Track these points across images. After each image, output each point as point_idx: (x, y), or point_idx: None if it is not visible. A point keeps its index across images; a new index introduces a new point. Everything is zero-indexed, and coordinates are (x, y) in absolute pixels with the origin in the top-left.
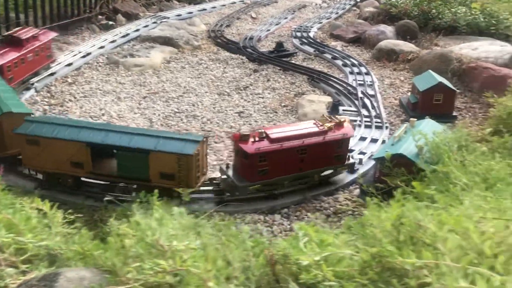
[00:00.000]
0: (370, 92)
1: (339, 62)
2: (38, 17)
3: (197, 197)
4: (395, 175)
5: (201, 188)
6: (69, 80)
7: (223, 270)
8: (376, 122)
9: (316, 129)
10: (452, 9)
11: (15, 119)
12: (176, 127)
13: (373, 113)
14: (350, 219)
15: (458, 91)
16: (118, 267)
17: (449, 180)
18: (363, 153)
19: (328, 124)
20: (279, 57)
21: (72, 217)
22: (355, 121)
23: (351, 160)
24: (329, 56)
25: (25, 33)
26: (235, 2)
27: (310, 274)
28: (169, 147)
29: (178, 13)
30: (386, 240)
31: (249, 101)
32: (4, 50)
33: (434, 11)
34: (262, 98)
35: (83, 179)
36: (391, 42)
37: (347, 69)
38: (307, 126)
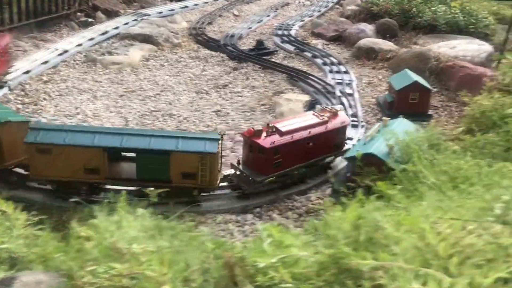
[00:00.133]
0: (348, 90)
1: (319, 61)
2: (14, 13)
3: (218, 193)
4: (366, 174)
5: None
6: (45, 78)
7: (180, 273)
8: (352, 120)
9: (318, 120)
10: (432, 8)
11: (12, 129)
12: (151, 126)
13: (350, 112)
14: (313, 219)
15: (435, 89)
16: (74, 271)
17: (418, 179)
18: None
19: (327, 114)
20: (259, 55)
21: (36, 218)
22: None
23: (346, 146)
24: (309, 55)
25: None
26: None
27: (267, 276)
28: (191, 147)
29: (160, 10)
30: (344, 241)
31: (227, 100)
32: None
33: (414, 9)
34: (241, 96)
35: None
36: (371, 40)
37: (327, 68)
38: (309, 118)
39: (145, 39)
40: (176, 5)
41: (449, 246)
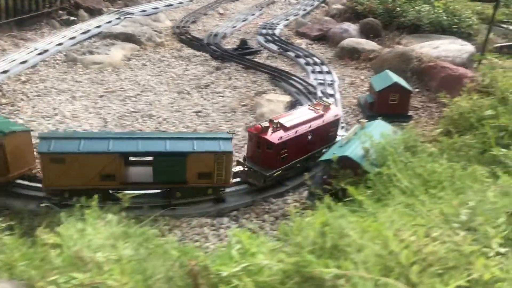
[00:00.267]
0: (330, 91)
1: (302, 61)
2: None
3: (233, 190)
4: (342, 177)
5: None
6: (23, 78)
7: (143, 282)
8: None
9: (315, 114)
10: (416, 7)
11: (16, 139)
12: (130, 127)
13: None
14: (283, 224)
15: (416, 90)
16: (35, 281)
17: (392, 183)
18: None
19: (321, 108)
20: (243, 55)
21: (4, 224)
22: None
23: (338, 138)
24: (292, 54)
25: None
26: None
27: (230, 286)
28: (208, 147)
29: (143, 9)
30: (310, 248)
31: (209, 100)
32: None
33: (398, 9)
34: (222, 97)
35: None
36: (354, 40)
37: (309, 68)
38: (307, 112)
39: (128, 38)
40: (160, 3)
41: (412, 254)
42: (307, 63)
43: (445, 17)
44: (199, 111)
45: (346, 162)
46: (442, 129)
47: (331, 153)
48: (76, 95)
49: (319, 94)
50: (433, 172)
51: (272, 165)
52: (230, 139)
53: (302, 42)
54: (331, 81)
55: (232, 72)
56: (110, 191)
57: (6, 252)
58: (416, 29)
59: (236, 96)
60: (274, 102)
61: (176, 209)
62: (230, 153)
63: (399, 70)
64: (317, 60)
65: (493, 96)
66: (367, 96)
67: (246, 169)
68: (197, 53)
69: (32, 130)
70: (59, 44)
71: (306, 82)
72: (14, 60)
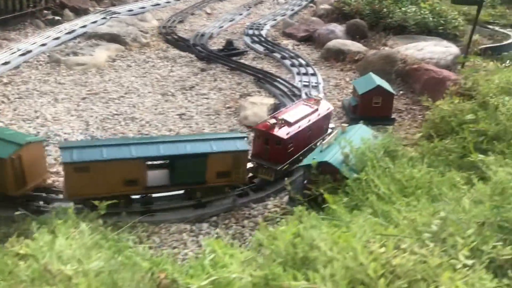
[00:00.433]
0: (315, 93)
1: (288, 62)
2: None
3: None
4: (321, 182)
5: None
6: (5, 80)
7: None
8: None
9: (311, 109)
10: (402, 8)
11: (31, 150)
12: (112, 131)
13: None
14: (258, 233)
15: (401, 92)
16: None
17: (370, 189)
18: None
19: (313, 103)
20: (229, 56)
21: None
22: None
23: (329, 130)
24: (278, 56)
25: None
26: None
27: None
28: (226, 147)
29: (130, 8)
30: (281, 260)
31: (193, 102)
32: None
33: (385, 10)
34: (207, 99)
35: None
36: (340, 41)
37: (295, 69)
38: (304, 107)
39: (113, 38)
40: (147, 3)
41: (380, 266)
42: (293, 65)
43: (431, 18)
44: (183, 114)
45: (325, 168)
46: (424, 132)
47: (311, 158)
48: (59, 97)
49: (304, 96)
50: (411, 178)
51: (281, 159)
52: (243, 138)
53: (288, 43)
54: (316, 83)
55: (218, 73)
56: (132, 197)
57: None
58: (403, 30)
59: (220, 98)
60: (258, 104)
61: (155, 215)
62: (246, 151)
63: (383, 72)
64: (303, 62)
65: (475, 100)
66: (350, 99)
67: (256, 165)
68: (182, 54)
69: (45, 140)
70: (43, 45)
71: (291, 84)
72: None
